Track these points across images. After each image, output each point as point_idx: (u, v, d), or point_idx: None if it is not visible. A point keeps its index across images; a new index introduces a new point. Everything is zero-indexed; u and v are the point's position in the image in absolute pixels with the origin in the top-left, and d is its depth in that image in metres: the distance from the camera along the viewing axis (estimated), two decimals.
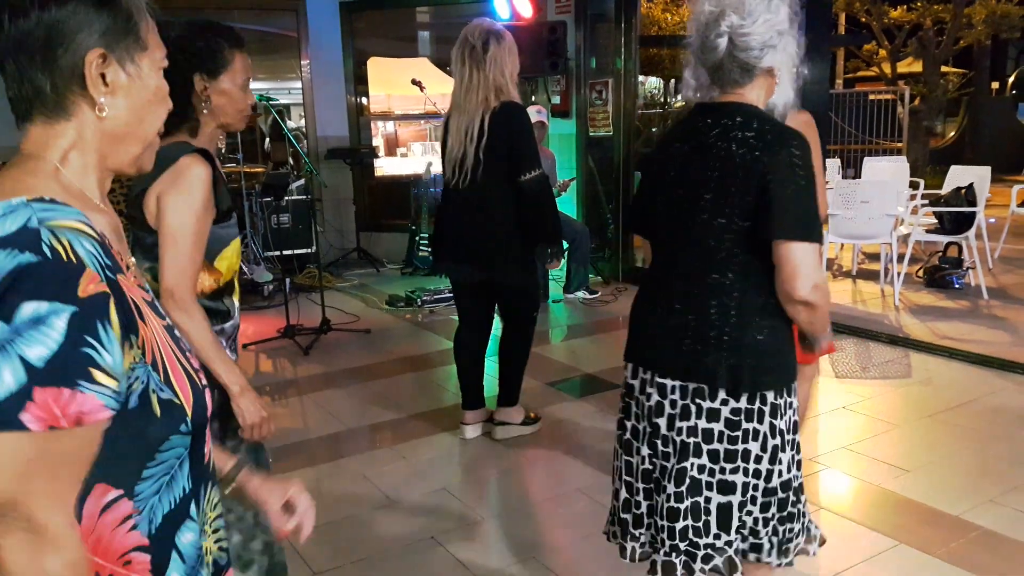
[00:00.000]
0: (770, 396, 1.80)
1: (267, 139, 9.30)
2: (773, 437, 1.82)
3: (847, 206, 6.05)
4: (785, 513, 1.88)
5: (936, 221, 6.57)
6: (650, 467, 1.91)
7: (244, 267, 6.28)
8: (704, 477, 1.82)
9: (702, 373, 1.79)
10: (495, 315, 3.76)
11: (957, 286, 6.38)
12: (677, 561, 1.87)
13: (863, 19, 15.11)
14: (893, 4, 14.87)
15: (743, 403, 1.78)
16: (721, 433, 1.80)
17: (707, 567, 1.86)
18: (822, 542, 2.00)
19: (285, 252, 6.78)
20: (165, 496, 0.93)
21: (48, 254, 0.79)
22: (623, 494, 2.01)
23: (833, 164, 8.69)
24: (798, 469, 1.90)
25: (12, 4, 0.87)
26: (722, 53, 1.76)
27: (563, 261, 5.05)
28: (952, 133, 17.10)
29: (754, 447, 1.81)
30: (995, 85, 18.73)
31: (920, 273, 6.68)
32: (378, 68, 8.38)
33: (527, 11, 6.77)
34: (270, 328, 5.57)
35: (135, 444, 0.89)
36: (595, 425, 3.92)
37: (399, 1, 8.59)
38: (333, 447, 3.78)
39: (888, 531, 2.88)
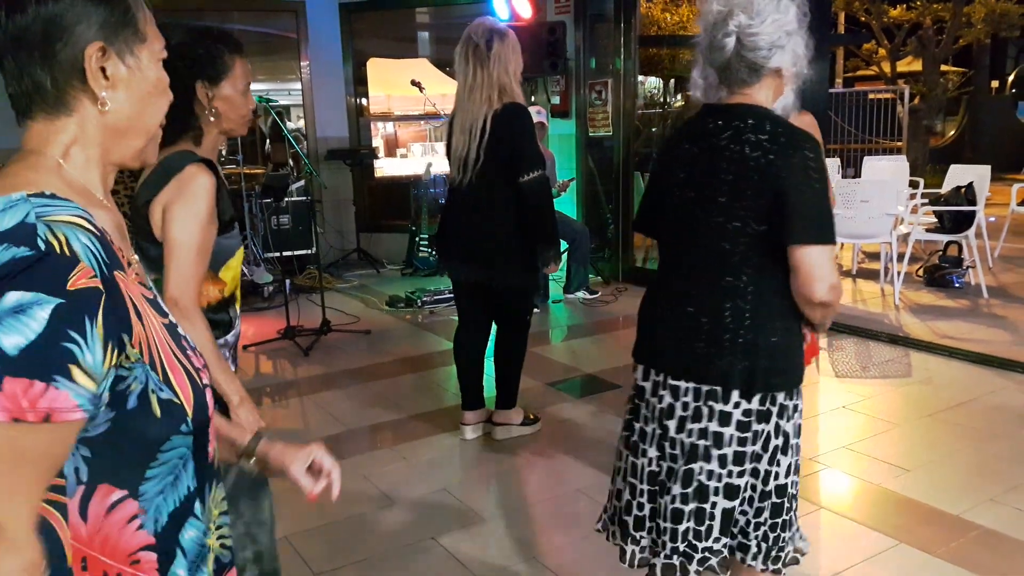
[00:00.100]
0: (780, 397, 1.80)
1: (267, 140, 9.30)
2: (776, 438, 1.82)
3: (847, 205, 6.06)
4: (779, 520, 1.88)
5: (936, 220, 6.57)
6: (656, 469, 1.91)
7: (244, 268, 6.28)
8: (712, 483, 1.82)
9: (716, 375, 1.79)
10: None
11: (957, 285, 6.38)
12: (677, 563, 1.87)
13: (862, 18, 15.12)
14: (892, 3, 14.88)
15: (755, 404, 1.79)
16: (732, 437, 1.79)
17: (702, 568, 1.87)
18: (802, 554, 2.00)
19: (285, 253, 6.78)
20: (170, 495, 0.93)
21: (42, 248, 0.78)
22: (626, 496, 2.00)
23: (833, 163, 8.68)
24: (796, 475, 1.90)
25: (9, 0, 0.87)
26: (730, 53, 1.75)
27: (563, 261, 5.06)
28: (952, 132, 17.10)
29: (757, 447, 1.82)
30: (995, 84, 18.72)
31: (920, 272, 6.68)
32: (378, 69, 8.38)
33: (526, 12, 6.77)
34: (270, 329, 5.58)
35: (136, 444, 0.88)
36: (595, 425, 3.92)
37: (398, 2, 8.60)
38: (333, 448, 3.73)
39: (888, 530, 2.88)
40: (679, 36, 13.30)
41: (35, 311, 0.75)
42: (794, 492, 1.90)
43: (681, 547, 1.86)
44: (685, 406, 1.84)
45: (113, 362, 0.82)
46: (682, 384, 1.84)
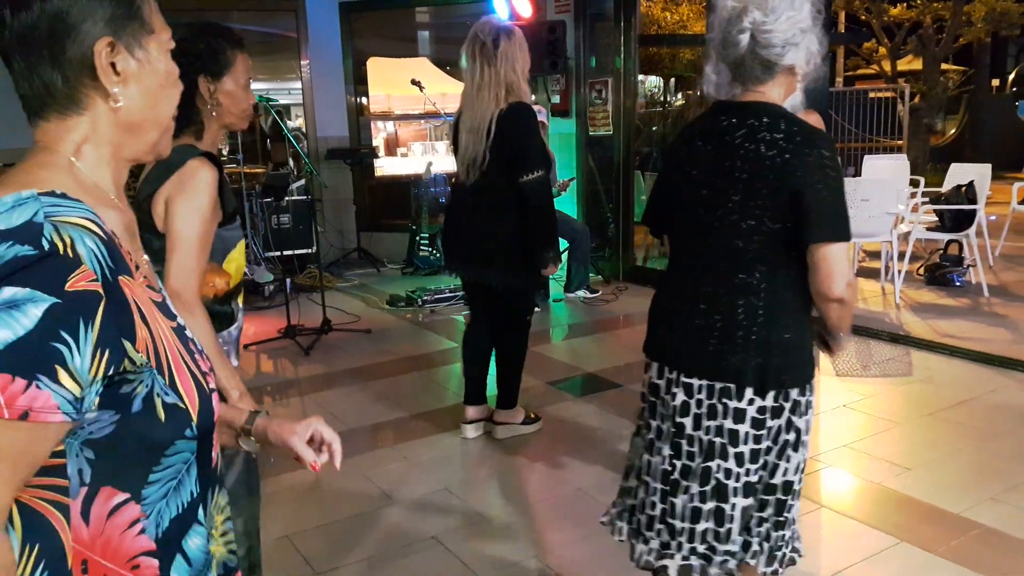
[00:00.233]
0: (793, 393, 1.81)
1: (267, 139, 9.30)
2: (787, 432, 1.82)
3: (847, 204, 6.03)
4: (781, 518, 1.88)
5: (936, 219, 6.56)
6: (668, 468, 1.90)
7: (245, 268, 6.28)
8: (731, 482, 1.82)
9: (729, 372, 1.79)
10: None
11: (958, 284, 6.38)
12: (695, 564, 1.87)
13: (863, 17, 15.11)
14: (893, 2, 14.87)
15: (768, 401, 1.79)
16: (747, 434, 1.80)
17: (721, 572, 1.87)
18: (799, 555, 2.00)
19: (286, 252, 6.78)
20: (173, 500, 0.92)
21: (46, 248, 0.77)
22: (640, 493, 2.00)
23: None
24: (801, 473, 1.90)
25: None
26: (744, 49, 1.75)
27: (563, 261, 5.06)
28: (952, 131, 17.09)
29: (769, 442, 1.82)
30: (995, 82, 18.71)
31: (921, 271, 6.68)
32: (378, 68, 8.38)
33: (526, 11, 6.77)
34: (271, 328, 5.58)
35: (140, 448, 0.88)
36: (596, 424, 3.92)
37: (398, 1, 8.59)
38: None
39: (889, 529, 2.88)
40: (679, 35, 13.31)
41: (28, 308, 0.74)
42: (798, 490, 1.90)
43: (700, 548, 1.86)
44: (699, 403, 1.84)
45: (101, 369, 0.80)
46: (695, 381, 1.84)
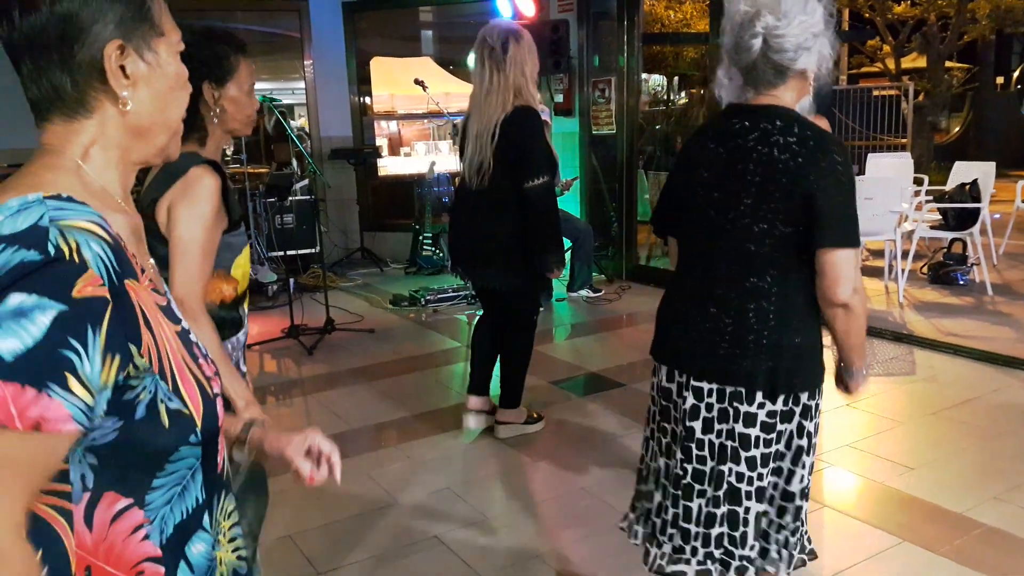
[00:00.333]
0: (803, 397, 1.81)
1: (271, 140, 9.32)
2: (800, 438, 1.83)
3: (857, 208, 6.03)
4: (797, 523, 1.88)
5: (940, 217, 6.55)
6: (680, 472, 1.90)
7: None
8: (743, 486, 1.82)
9: (740, 376, 1.79)
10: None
11: (961, 282, 6.37)
12: (713, 569, 1.87)
13: (867, 15, 15.06)
14: None
15: (779, 405, 1.79)
16: (758, 438, 1.80)
17: None
18: (813, 556, 2.00)
19: (289, 252, 6.79)
20: (177, 506, 0.91)
21: (52, 252, 0.76)
22: (657, 497, 2.00)
23: None
24: (810, 475, 1.91)
25: None
26: (756, 54, 1.75)
27: (566, 261, 5.06)
28: (956, 129, 17.03)
29: (781, 447, 1.82)
30: (1000, 80, 18.64)
31: (924, 270, 6.67)
32: (381, 68, 8.40)
33: (529, 10, 6.77)
34: (274, 328, 5.59)
35: (144, 454, 0.86)
36: (599, 424, 3.92)
37: (402, 1, 8.60)
38: (337, 447, 3.77)
39: (892, 529, 2.88)
40: (682, 33, 13.31)
41: (36, 315, 0.73)
42: (809, 493, 1.91)
43: (716, 553, 1.86)
44: (709, 407, 1.84)
45: (112, 375, 0.79)
46: (705, 385, 1.84)
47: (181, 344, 0.92)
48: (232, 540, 1.03)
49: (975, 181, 6.38)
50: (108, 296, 0.79)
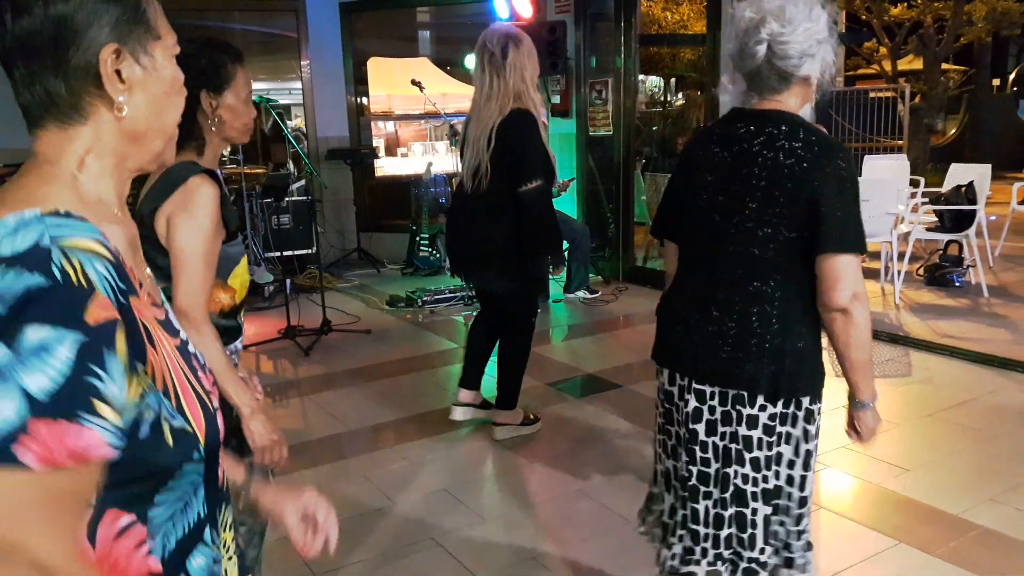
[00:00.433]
0: (805, 401, 1.82)
1: (267, 140, 9.32)
2: (807, 442, 1.84)
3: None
4: (807, 528, 1.90)
5: (936, 219, 6.56)
6: (687, 474, 1.91)
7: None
8: (749, 488, 1.83)
9: (743, 380, 1.79)
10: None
11: (957, 284, 6.38)
12: (723, 569, 1.88)
13: (863, 17, 15.09)
14: (893, 1, 14.86)
15: (779, 408, 1.80)
16: (760, 440, 1.81)
17: None
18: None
19: (286, 253, 6.78)
20: (179, 521, 0.90)
21: (58, 276, 0.74)
22: (669, 499, 2.01)
23: None
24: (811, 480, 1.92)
25: (15, 1, 0.81)
26: (760, 60, 1.75)
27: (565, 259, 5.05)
28: (953, 131, 17.08)
29: (787, 451, 1.83)
30: (996, 82, 18.70)
31: (920, 271, 6.68)
32: (378, 68, 8.40)
33: (526, 11, 6.77)
34: (271, 329, 5.58)
35: (147, 472, 0.85)
36: (596, 425, 3.92)
37: (399, 1, 8.60)
38: (334, 448, 3.78)
39: (888, 530, 2.89)
40: (679, 35, 13.31)
41: (58, 348, 0.72)
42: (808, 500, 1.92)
43: (725, 554, 1.87)
44: (712, 410, 1.85)
45: (134, 393, 0.79)
46: (707, 388, 1.85)
47: (180, 358, 0.91)
48: (231, 552, 1.02)
49: (971, 183, 6.39)
50: (118, 316, 0.78)
